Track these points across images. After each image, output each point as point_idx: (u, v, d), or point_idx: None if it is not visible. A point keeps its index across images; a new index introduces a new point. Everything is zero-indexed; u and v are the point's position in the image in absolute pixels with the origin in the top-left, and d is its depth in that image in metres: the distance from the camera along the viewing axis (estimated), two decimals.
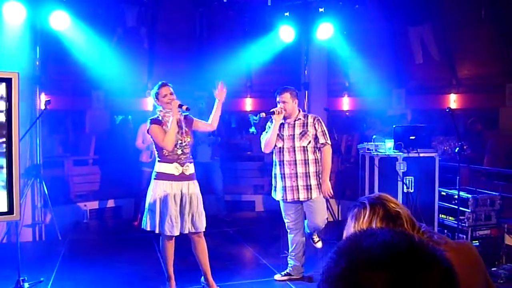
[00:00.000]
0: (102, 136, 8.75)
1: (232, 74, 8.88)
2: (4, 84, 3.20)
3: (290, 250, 4.89)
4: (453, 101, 8.66)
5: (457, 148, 5.40)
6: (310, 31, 7.73)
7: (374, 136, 6.21)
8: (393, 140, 5.90)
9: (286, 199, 4.66)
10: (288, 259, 4.92)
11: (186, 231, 4.28)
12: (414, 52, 8.85)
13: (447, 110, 5.70)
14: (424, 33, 8.72)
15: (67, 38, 7.19)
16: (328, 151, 4.69)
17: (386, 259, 0.73)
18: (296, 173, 4.60)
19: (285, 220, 4.81)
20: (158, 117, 4.33)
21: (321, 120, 4.76)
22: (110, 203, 7.90)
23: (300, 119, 4.69)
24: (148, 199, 4.28)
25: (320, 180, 4.66)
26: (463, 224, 5.60)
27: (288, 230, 4.83)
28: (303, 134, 4.63)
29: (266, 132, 4.74)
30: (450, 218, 5.90)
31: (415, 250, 0.75)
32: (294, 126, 4.68)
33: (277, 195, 4.76)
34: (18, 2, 5.95)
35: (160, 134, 4.23)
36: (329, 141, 4.70)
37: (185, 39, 9.17)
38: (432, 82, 9.04)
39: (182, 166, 4.27)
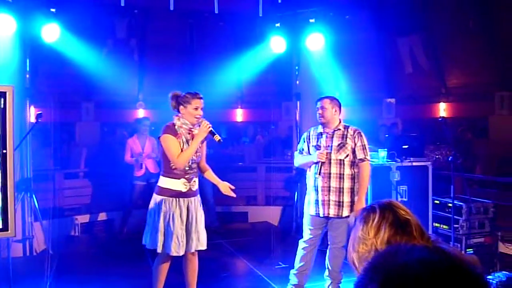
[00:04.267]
0: (93, 149, 8.67)
1: (223, 85, 8.89)
2: None
3: (298, 267, 4.53)
4: (443, 110, 8.74)
5: (450, 157, 5.43)
6: (301, 41, 7.75)
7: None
8: (386, 149, 5.91)
9: (319, 214, 4.36)
10: (293, 275, 4.58)
11: (193, 250, 4.03)
12: (403, 62, 8.94)
13: (440, 119, 5.75)
14: (413, 43, 8.81)
15: (57, 50, 7.13)
16: (366, 167, 4.38)
17: (425, 276, 0.71)
18: (329, 187, 4.31)
19: (305, 234, 4.49)
20: (174, 125, 3.97)
21: (362, 133, 4.45)
22: (102, 216, 7.81)
23: (339, 129, 4.41)
24: (152, 216, 3.97)
25: (355, 198, 4.35)
26: (457, 233, 5.62)
27: (304, 245, 4.48)
28: (341, 146, 4.35)
29: (300, 151, 4.59)
30: (444, 226, 5.92)
31: (454, 267, 0.73)
32: (332, 137, 4.39)
33: (311, 209, 4.42)
34: (8, 14, 5.89)
35: (175, 148, 3.88)
36: (368, 157, 4.42)
37: (176, 50, 9.16)
38: (421, 92, 9.12)
39: (189, 182, 3.99)
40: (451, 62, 8.58)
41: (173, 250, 3.90)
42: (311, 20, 7.42)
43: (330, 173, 4.32)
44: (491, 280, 4.92)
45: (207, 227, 4.37)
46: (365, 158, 4.38)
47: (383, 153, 5.89)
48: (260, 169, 8.45)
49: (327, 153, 4.33)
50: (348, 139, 4.37)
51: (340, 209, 4.31)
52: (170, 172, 3.95)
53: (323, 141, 4.42)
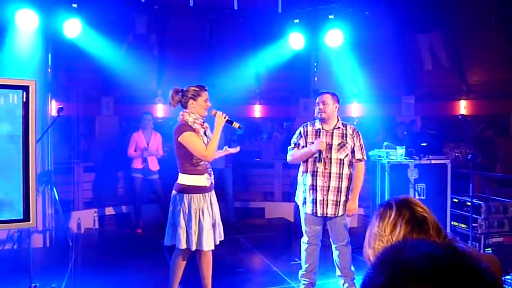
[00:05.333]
0: (111, 143, 8.78)
1: (241, 81, 8.91)
2: (21, 91, 3.22)
3: (305, 267, 4.50)
4: (463, 107, 8.62)
5: (470, 155, 5.37)
6: (320, 38, 7.73)
7: (385, 143, 6.19)
8: (404, 147, 5.88)
9: (316, 213, 4.32)
10: (302, 276, 4.55)
11: (217, 243, 4.08)
12: (423, 58, 8.84)
13: (460, 117, 5.68)
14: (433, 40, 8.70)
15: (78, 45, 7.23)
16: (362, 167, 4.40)
17: (431, 270, 0.72)
18: (329, 187, 4.27)
19: (306, 234, 4.47)
20: (188, 122, 3.99)
21: (359, 133, 4.43)
22: (120, 209, 7.93)
23: (339, 128, 4.35)
24: (181, 216, 3.94)
25: (349, 197, 4.37)
26: (475, 232, 5.56)
27: (306, 245, 4.47)
28: (341, 145, 4.30)
29: (295, 144, 4.43)
30: (462, 225, 5.86)
31: (460, 262, 0.74)
32: (332, 135, 4.32)
33: (307, 208, 4.38)
34: (31, 10, 6.00)
35: (200, 143, 3.90)
36: (365, 157, 4.41)
37: (195, 46, 9.19)
38: (441, 89, 9.01)
39: (211, 176, 4.06)
40: (472, 59, 8.45)
41: (207, 245, 3.95)
42: (330, 16, 7.42)
43: (330, 173, 4.28)
44: (509, 281, 4.87)
45: (224, 222, 4.42)
46: (363, 158, 4.39)
47: (401, 150, 5.86)
48: (277, 166, 8.46)
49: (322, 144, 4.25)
50: (348, 138, 4.34)
51: (337, 208, 4.31)
52: (194, 169, 3.97)
53: (322, 139, 4.32)
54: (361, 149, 4.37)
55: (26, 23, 6.02)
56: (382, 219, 1.50)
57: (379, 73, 8.83)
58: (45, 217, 6.45)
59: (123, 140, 8.69)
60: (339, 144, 4.30)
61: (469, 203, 5.59)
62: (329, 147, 4.29)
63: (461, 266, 0.73)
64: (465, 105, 8.63)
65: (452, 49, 8.56)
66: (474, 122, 8.58)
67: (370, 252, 1.49)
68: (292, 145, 4.48)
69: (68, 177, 7.51)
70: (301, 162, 4.41)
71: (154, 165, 7.27)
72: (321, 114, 4.31)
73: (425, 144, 5.91)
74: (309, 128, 4.42)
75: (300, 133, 4.46)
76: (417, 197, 5.68)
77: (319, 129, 4.36)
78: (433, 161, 5.79)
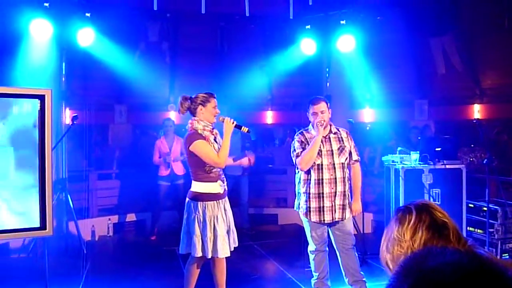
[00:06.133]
0: (125, 150, 8.83)
1: (253, 87, 8.93)
2: (37, 100, 3.25)
3: (317, 275, 4.42)
4: (477, 111, 8.55)
5: (485, 160, 5.32)
6: (332, 43, 7.72)
7: (399, 148, 6.15)
8: (418, 152, 5.83)
9: (324, 221, 4.26)
10: (315, 285, 4.47)
11: (232, 249, 4.06)
12: (436, 62, 8.79)
13: (475, 121, 5.62)
14: (446, 44, 8.65)
15: (91, 54, 7.30)
16: (359, 168, 4.46)
17: (457, 280, 0.70)
18: (335, 192, 4.26)
19: (313, 241, 4.37)
20: (197, 130, 4.00)
21: (350, 134, 4.50)
22: (133, 216, 7.95)
23: (336, 132, 4.36)
24: (196, 224, 3.94)
25: (354, 198, 4.41)
26: (492, 237, 5.49)
27: (315, 253, 4.40)
28: (341, 150, 4.31)
29: (299, 147, 4.31)
30: (478, 230, 5.79)
31: (486, 271, 0.72)
32: (330, 141, 4.32)
33: (312, 216, 4.29)
34: (45, 19, 6.07)
35: (212, 151, 3.92)
36: (359, 158, 4.46)
37: (207, 53, 9.24)
38: (455, 93, 8.94)
39: (224, 183, 4.08)
40: (486, 63, 8.38)
41: (222, 253, 3.94)
42: (342, 22, 7.40)
43: (336, 178, 4.26)
44: None
45: (238, 228, 4.41)
46: (358, 158, 4.43)
47: (415, 155, 5.81)
48: (290, 172, 8.41)
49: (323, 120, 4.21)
50: (345, 141, 4.36)
51: (344, 212, 4.31)
52: (207, 177, 3.97)
53: (322, 146, 4.25)
54: (356, 150, 4.43)
55: (40, 33, 6.10)
56: (402, 224, 1.46)
57: (392, 78, 8.79)
58: (60, 224, 6.49)
59: (137, 147, 8.74)
60: (338, 149, 4.31)
61: (485, 208, 5.53)
62: (330, 152, 4.28)
63: (487, 275, 0.72)
64: (479, 109, 8.56)
65: (465, 53, 8.50)
66: (488, 126, 8.48)
67: (388, 256, 1.46)
68: (299, 152, 4.31)
69: (82, 185, 7.56)
70: (302, 172, 4.33)
71: (179, 170, 7.27)
72: (321, 123, 4.22)
73: (439, 149, 5.86)
74: (307, 136, 4.37)
75: (301, 141, 4.35)
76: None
77: (314, 137, 4.27)
78: (447, 166, 5.73)
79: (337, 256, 4.45)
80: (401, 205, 5.35)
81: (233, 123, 4.04)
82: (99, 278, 5.49)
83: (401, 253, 1.41)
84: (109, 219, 7.55)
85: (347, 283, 4.48)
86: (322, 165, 4.24)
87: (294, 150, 4.35)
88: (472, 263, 0.73)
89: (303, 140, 4.35)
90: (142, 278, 5.48)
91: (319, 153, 4.24)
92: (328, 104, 4.38)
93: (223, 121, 4.07)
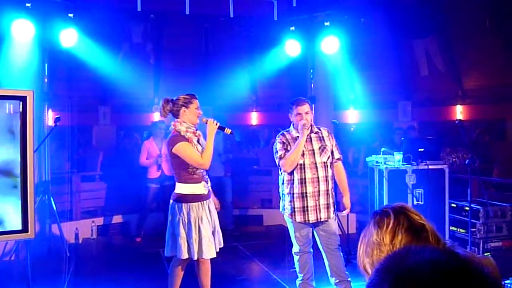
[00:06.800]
0: (109, 152, 8.77)
1: (238, 88, 8.94)
2: (18, 102, 3.21)
3: (302, 276, 4.43)
4: (459, 112, 8.67)
5: (467, 160, 5.38)
6: (316, 45, 7.75)
7: (383, 149, 6.19)
8: (402, 152, 5.88)
9: (309, 221, 4.24)
10: (300, 286, 4.44)
11: (217, 250, 4.05)
12: (419, 64, 8.89)
13: (457, 122, 5.69)
14: (429, 46, 8.76)
15: (74, 55, 7.23)
16: (342, 166, 4.47)
17: (436, 277, 0.71)
18: (319, 191, 4.24)
19: (297, 242, 4.37)
20: (180, 132, 3.99)
21: (332, 133, 4.51)
22: (118, 218, 7.88)
23: (317, 132, 4.37)
24: (181, 226, 3.91)
25: (343, 195, 4.45)
26: (474, 236, 5.56)
27: (299, 254, 4.41)
28: (322, 149, 4.31)
29: (282, 148, 4.28)
30: (461, 230, 5.86)
31: (464, 268, 0.73)
32: (311, 140, 4.31)
33: (297, 217, 4.26)
34: (27, 20, 5.99)
35: (195, 152, 3.92)
36: (341, 156, 4.48)
37: (191, 54, 9.22)
38: (438, 94, 9.05)
39: (207, 183, 4.07)
40: (468, 64, 8.51)
41: (208, 254, 3.94)
42: (326, 23, 7.42)
43: (318, 177, 4.25)
44: (508, 285, 4.86)
45: (223, 229, 4.40)
46: (341, 157, 4.45)
47: (398, 156, 5.86)
48: (275, 172, 8.37)
49: (307, 121, 4.21)
50: (326, 140, 4.36)
51: (328, 211, 4.29)
52: (191, 178, 3.96)
53: (302, 121, 4.23)
54: (337, 149, 4.44)
55: (22, 33, 6.02)
56: (380, 228, 1.44)
57: (376, 79, 8.87)
58: (43, 227, 6.42)
59: (121, 149, 8.68)
60: (320, 148, 4.31)
61: (467, 208, 5.60)
62: (312, 152, 4.28)
63: (465, 272, 0.73)
64: (462, 110, 8.67)
65: (448, 55, 8.61)
66: (471, 127, 8.60)
67: (367, 261, 1.44)
68: (282, 153, 4.28)
69: (65, 187, 7.48)
70: (286, 173, 4.31)
71: (169, 171, 7.22)
72: (306, 125, 4.22)
73: (422, 149, 5.92)
74: (288, 137, 4.36)
75: (283, 142, 4.34)
76: (415, 202, 5.68)
77: (298, 137, 4.29)
78: (430, 167, 5.78)
79: (322, 257, 4.46)
80: (380, 207, 5.38)
81: (216, 124, 4.03)
82: (82, 280, 5.43)
83: (380, 257, 1.38)
84: (93, 221, 7.48)
85: (332, 283, 4.49)
86: (304, 164, 4.24)
87: (277, 151, 4.33)
88: (451, 261, 0.74)
89: (284, 141, 4.34)
90: (126, 281, 5.44)
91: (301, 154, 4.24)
92: (310, 104, 4.42)
93: (206, 123, 4.07)
